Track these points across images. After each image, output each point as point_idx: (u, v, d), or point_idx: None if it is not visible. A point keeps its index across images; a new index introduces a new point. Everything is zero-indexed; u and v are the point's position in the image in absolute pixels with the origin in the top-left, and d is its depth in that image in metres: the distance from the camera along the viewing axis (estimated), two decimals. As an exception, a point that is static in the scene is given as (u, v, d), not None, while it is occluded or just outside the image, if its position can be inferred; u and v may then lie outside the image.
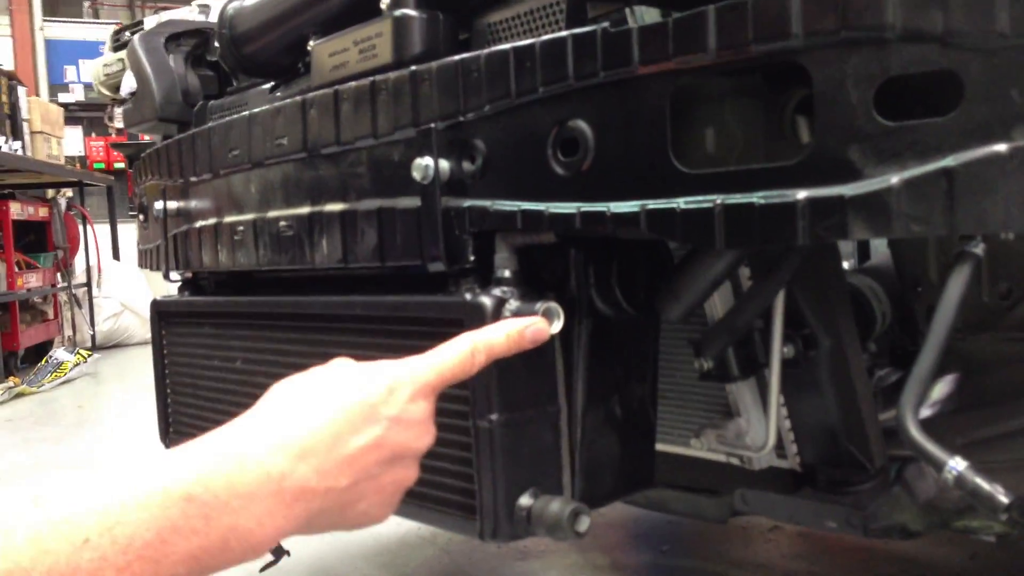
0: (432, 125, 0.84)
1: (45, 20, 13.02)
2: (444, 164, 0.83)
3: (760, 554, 2.01)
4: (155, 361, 1.38)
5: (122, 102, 1.57)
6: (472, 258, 0.83)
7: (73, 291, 6.85)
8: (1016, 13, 0.57)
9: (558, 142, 0.77)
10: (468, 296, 0.81)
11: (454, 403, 0.83)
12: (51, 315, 6.60)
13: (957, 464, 0.67)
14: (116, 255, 8.65)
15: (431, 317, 0.85)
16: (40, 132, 6.81)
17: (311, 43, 1.09)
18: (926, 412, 0.89)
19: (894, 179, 0.60)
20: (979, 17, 0.58)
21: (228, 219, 1.15)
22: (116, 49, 6.49)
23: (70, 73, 13.61)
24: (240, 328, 1.16)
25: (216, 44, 1.30)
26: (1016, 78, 0.57)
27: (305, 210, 1.01)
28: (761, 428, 0.89)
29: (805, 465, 0.90)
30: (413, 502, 0.90)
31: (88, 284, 7.13)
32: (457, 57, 0.83)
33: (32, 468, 3.10)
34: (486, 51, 0.81)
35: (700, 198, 0.68)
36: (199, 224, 1.23)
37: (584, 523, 0.76)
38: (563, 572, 1.96)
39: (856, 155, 0.62)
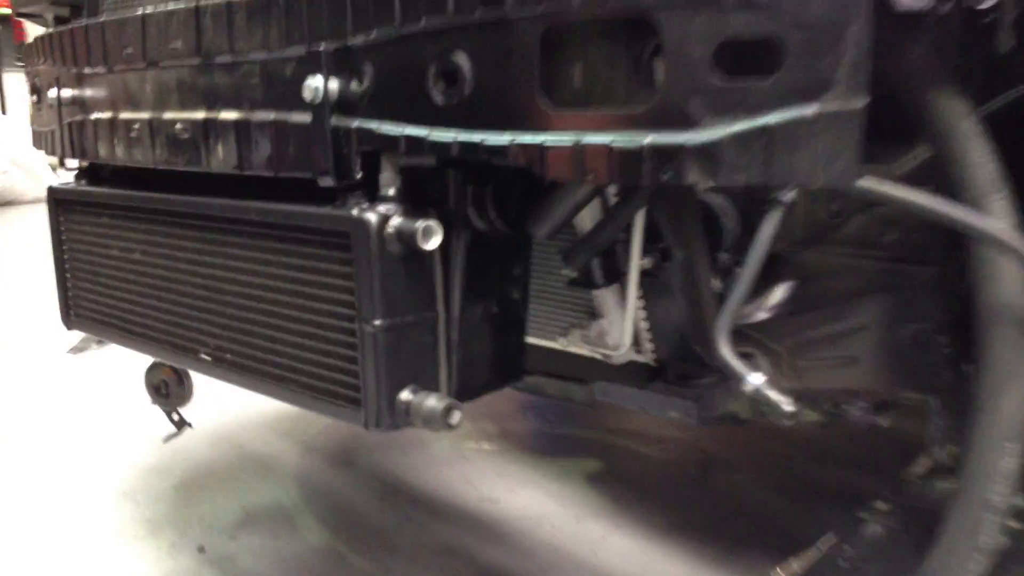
0: (321, 47, 0.89)
1: None
2: (333, 85, 0.89)
3: (636, 423, 2.18)
4: (54, 247, 1.42)
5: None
6: (359, 175, 0.90)
7: (-43, 148, 6.57)
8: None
9: (439, 72, 0.83)
10: (355, 211, 0.88)
11: (341, 307, 0.91)
12: (-67, 174, 6.34)
13: (755, 379, 0.79)
14: (2, 108, 8.26)
15: (321, 228, 0.92)
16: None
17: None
18: (764, 315, 1.01)
19: (723, 132, 0.68)
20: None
21: (124, 115, 1.18)
22: None
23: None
24: (138, 222, 1.21)
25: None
26: (826, 50, 0.65)
27: (200, 115, 1.05)
28: (620, 329, 1.00)
29: (659, 361, 1.02)
30: (305, 392, 0.99)
31: (-27, 140, 6.83)
32: (342, -18, 0.88)
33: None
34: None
35: (563, 136, 0.76)
36: (94, 116, 1.25)
37: (456, 416, 0.86)
38: (455, 438, 2.11)
39: (695, 108, 0.70)
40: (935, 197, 0.73)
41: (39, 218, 6.61)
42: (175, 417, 1.68)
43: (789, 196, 0.81)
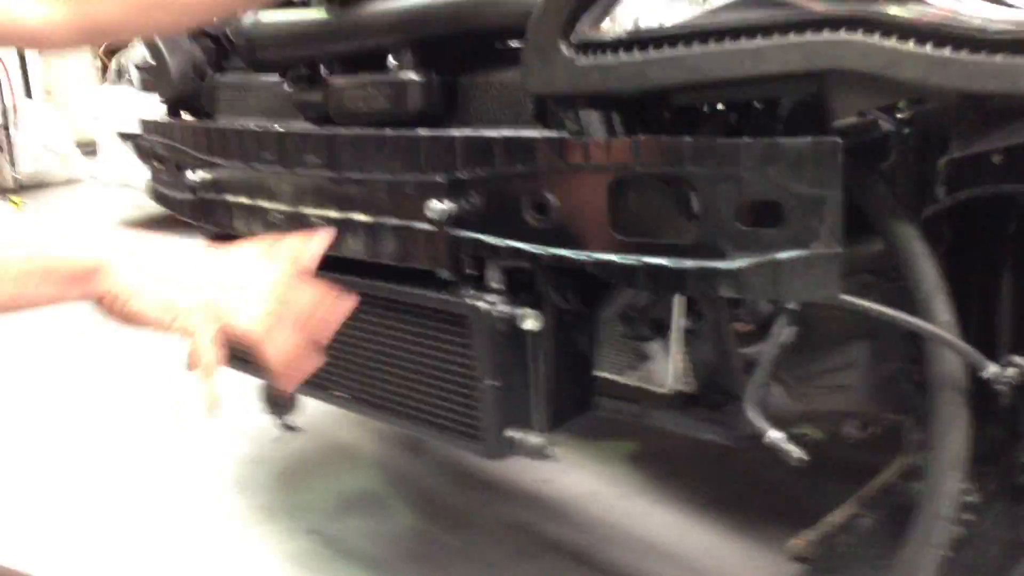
0: (438, 178, 1.20)
1: None
2: (450, 206, 1.19)
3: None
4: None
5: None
6: (470, 271, 1.21)
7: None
8: (813, 174, 0.94)
9: (531, 204, 1.13)
10: (471, 301, 1.19)
11: (461, 367, 1.23)
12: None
13: (774, 435, 1.10)
14: (28, 92, 8.49)
15: (444, 310, 1.24)
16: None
17: (326, 73, 1.40)
18: (774, 351, 1.31)
19: (745, 262, 0.99)
20: (791, 173, 0.95)
21: (263, 203, 1.48)
22: None
23: None
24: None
25: (233, 41, 1.58)
26: (813, 212, 0.95)
27: (335, 214, 1.35)
28: (664, 370, 1.31)
29: (697, 391, 1.33)
30: (434, 427, 1.31)
31: (5, 126, 7.08)
32: (457, 133, 1.18)
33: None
34: (478, 134, 1.16)
35: (628, 257, 1.06)
36: (231, 199, 1.56)
37: (551, 451, 1.18)
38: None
39: (724, 244, 1.00)
40: (896, 310, 1.04)
41: (70, 199, 6.80)
42: (285, 423, 2.01)
43: (793, 306, 1.11)
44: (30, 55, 8.25)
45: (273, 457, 2.34)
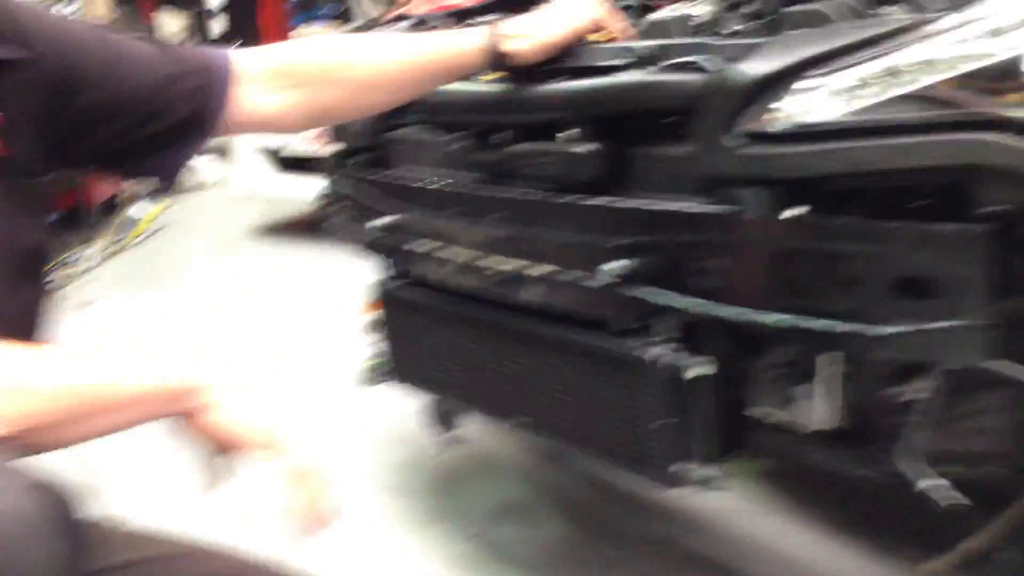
0: (611, 241, 1.36)
1: None
2: (622, 266, 1.35)
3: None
4: (378, 321, 1.95)
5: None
6: (642, 323, 1.37)
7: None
8: (960, 255, 1.06)
9: (697, 268, 1.28)
10: (639, 349, 1.36)
11: (631, 407, 1.39)
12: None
13: (924, 483, 1.23)
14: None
15: (614, 356, 1.40)
16: None
17: (502, 137, 1.58)
18: (925, 405, 1.43)
19: (896, 330, 1.12)
20: (941, 254, 1.07)
21: (446, 252, 1.67)
22: None
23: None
24: (458, 325, 1.72)
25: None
26: (961, 289, 1.07)
27: (514, 266, 1.53)
28: (814, 409, 1.44)
29: (841, 430, 1.47)
30: (610, 455, 1.48)
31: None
32: (630, 204, 1.34)
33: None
34: (649, 206, 1.31)
35: (787, 319, 1.20)
36: (418, 247, 1.75)
37: (721, 482, 1.33)
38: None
39: (877, 312, 1.13)
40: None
41: (201, 204, 7.13)
42: (449, 436, 2.21)
43: (946, 366, 1.24)
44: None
45: (423, 464, 2.55)
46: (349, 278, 4.04)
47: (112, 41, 1.20)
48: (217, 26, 8.80)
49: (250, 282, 4.70)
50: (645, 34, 1.69)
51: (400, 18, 2.33)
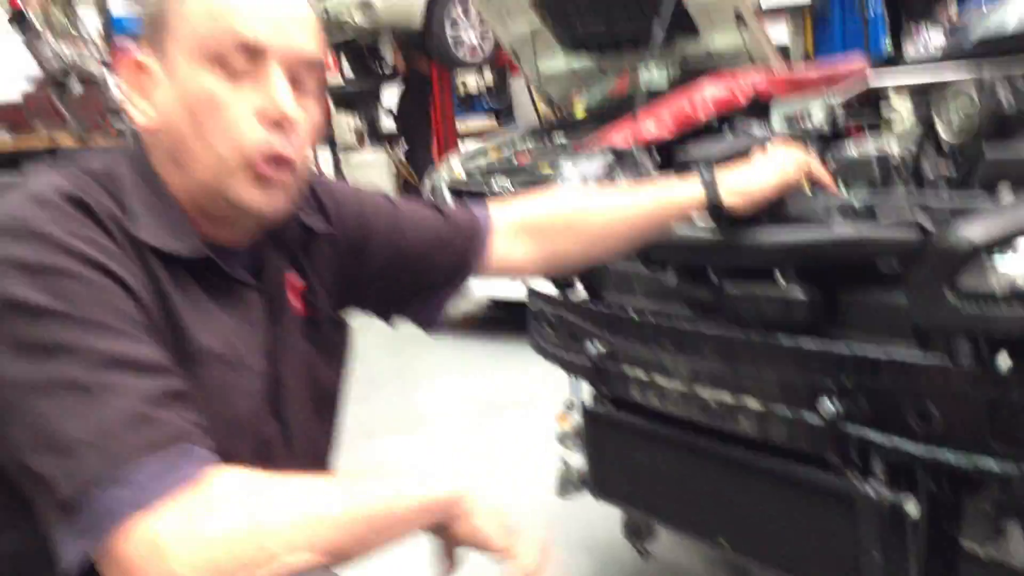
0: (828, 382, 1.48)
1: None
2: (839, 406, 1.46)
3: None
4: (576, 435, 2.11)
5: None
6: (859, 459, 1.47)
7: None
8: None
9: (915, 412, 1.38)
10: (856, 485, 1.46)
11: (840, 535, 1.49)
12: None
13: None
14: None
15: (831, 489, 1.51)
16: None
17: (716, 277, 1.73)
18: None
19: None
20: None
21: (659, 380, 1.82)
22: None
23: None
24: (667, 448, 1.85)
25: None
26: None
27: (729, 399, 1.66)
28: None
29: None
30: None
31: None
32: (840, 350, 1.46)
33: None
34: (868, 353, 1.43)
35: (1008, 464, 1.29)
36: (629, 372, 1.91)
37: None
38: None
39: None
40: None
41: None
42: (642, 548, 2.33)
43: None
44: (342, 153, 9.28)
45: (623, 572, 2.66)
46: (529, 380, 4.25)
47: (396, 206, 1.42)
48: (388, 122, 9.40)
49: (436, 376, 4.95)
50: (846, 175, 1.82)
51: (605, 149, 2.54)
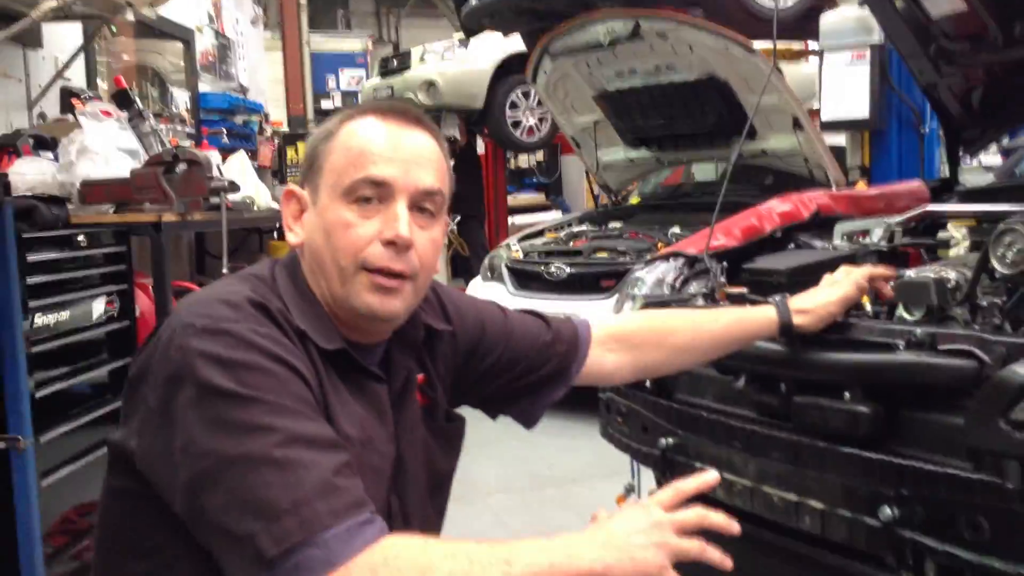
0: (887, 490, 1.65)
1: (311, 34, 14.12)
2: (897, 512, 1.63)
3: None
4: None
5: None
6: (915, 562, 1.64)
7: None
8: None
9: (968, 522, 1.55)
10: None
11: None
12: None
13: None
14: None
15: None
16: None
17: (784, 386, 1.92)
18: None
19: None
20: None
21: (727, 475, 1.99)
22: (384, 76, 8.23)
23: (330, 82, 15.14)
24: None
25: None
26: None
27: (793, 498, 1.84)
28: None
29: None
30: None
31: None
32: (900, 461, 1.64)
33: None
34: (925, 467, 1.60)
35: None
36: (698, 465, 2.08)
37: None
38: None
39: None
40: None
41: None
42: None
43: None
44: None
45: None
46: (580, 456, 4.39)
47: (506, 314, 1.63)
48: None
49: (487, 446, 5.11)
50: (903, 294, 1.99)
51: (674, 255, 2.75)
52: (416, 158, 1.30)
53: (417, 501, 1.40)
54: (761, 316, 1.80)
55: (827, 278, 1.91)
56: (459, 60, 8.17)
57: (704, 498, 2.16)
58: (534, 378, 1.62)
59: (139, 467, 1.18)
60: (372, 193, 1.27)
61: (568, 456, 4.65)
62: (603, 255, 5.44)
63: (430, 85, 8.15)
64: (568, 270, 5.43)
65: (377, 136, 1.29)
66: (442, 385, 1.51)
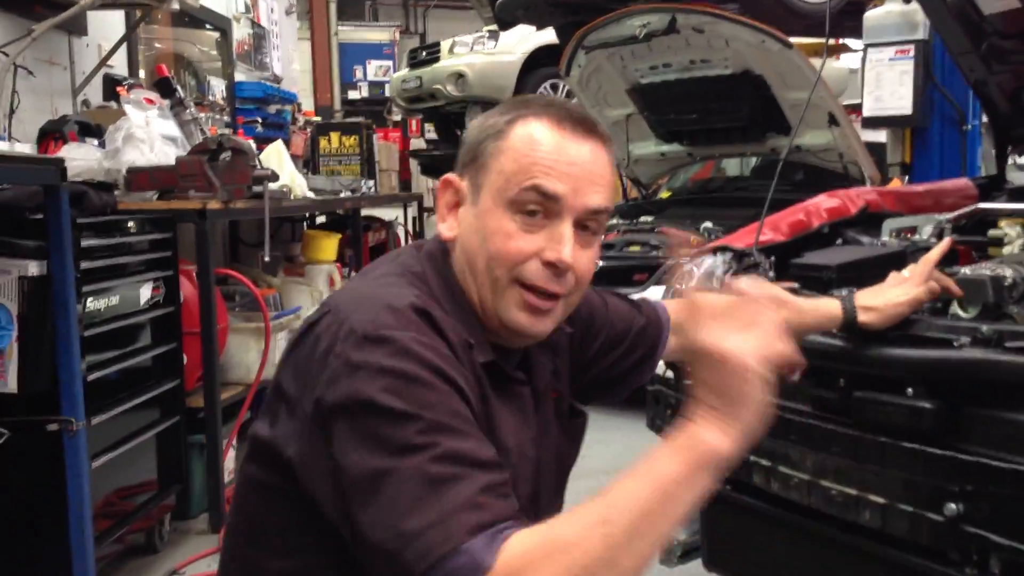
0: (952, 486, 1.66)
1: (339, 24, 14.13)
2: (961, 508, 1.64)
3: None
4: (702, 511, 2.29)
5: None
6: (979, 557, 1.65)
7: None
8: None
9: (1031, 518, 1.56)
10: (975, 583, 1.63)
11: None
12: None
13: None
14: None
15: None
16: (385, 171, 8.09)
17: (844, 382, 1.93)
18: None
19: None
20: None
21: (784, 469, 2.01)
22: (413, 67, 8.31)
23: (358, 72, 15.17)
24: (790, 531, 2.04)
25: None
26: None
27: (854, 492, 1.85)
28: None
29: None
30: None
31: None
32: (965, 458, 1.64)
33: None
34: (991, 463, 1.61)
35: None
36: (754, 458, 2.10)
37: None
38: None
39: None
40: None
41: None
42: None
43: None
44: (424, 214, 9.62)
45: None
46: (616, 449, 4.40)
47: (605, 299, 1.63)
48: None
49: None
50: (966, 291, 1.99)
51: (722, 249, 2.76)
52: (589, 175, 1.26)
53: (547, 496, 1.40)
54: (825, 310, 1.80)
55: (894, 275, 1.91)
56: (488, 52, 8.19)
57: (759, 491, 2.19)
58: (628, 363, 1.64)
59: (298, 476, 1.16)
60: (539, 207, 1.23)
61: (599, 448, 4.61)
62: (635, 249, 5.45)
63: (459, 77, 8.18)
64: (600, 263, 5.43)
65: (552, 146, 1.24)
66: (567, 379, 1.51)
